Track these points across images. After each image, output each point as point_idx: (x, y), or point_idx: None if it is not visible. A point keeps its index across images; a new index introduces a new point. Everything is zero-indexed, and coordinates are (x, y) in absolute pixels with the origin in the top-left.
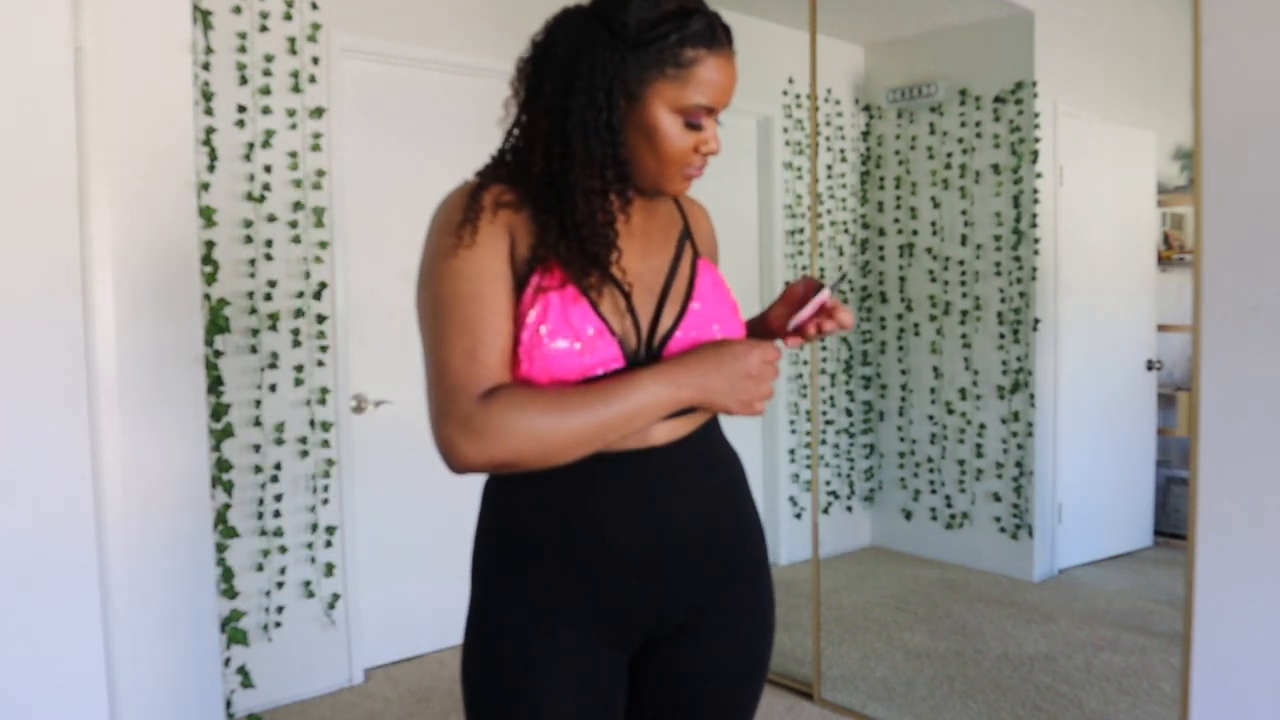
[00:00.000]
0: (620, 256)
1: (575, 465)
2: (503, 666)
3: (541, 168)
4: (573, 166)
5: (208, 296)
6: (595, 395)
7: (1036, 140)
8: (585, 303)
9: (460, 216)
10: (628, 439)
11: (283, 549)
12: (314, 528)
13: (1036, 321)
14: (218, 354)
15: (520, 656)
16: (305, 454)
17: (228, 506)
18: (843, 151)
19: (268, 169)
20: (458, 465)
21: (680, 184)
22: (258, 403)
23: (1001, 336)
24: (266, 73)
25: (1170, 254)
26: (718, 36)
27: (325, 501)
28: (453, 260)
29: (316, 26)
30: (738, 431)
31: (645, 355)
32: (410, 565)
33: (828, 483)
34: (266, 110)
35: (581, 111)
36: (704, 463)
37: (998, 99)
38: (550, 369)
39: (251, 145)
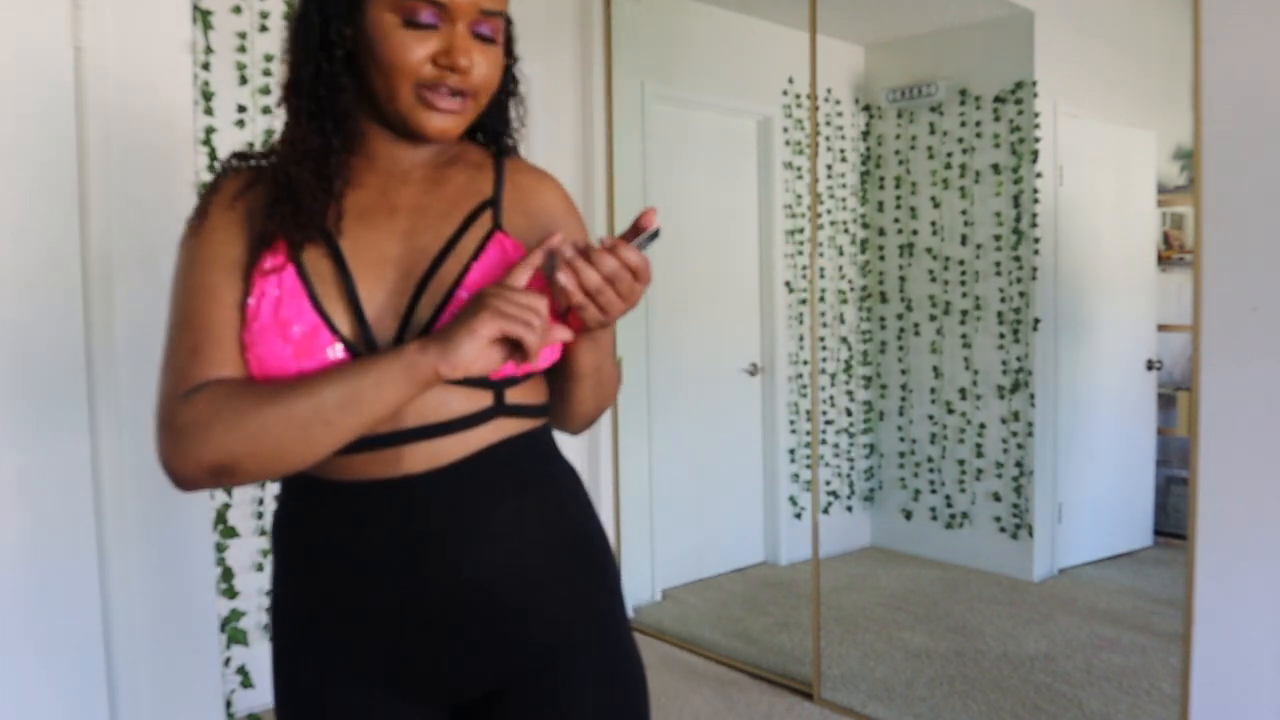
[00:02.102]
0: (350, 230)
1: (321, 498)
2: (298, 716)
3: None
4: (285, 88)
5: None
6: (317, 374)
7: (1036, 140)
8: (302, 293)
9: (200, 203)
10: (375, 465)
11: None
12: None
13: (1036, 321)
14: None
15: (313, 709)
16: None
17: (228, 506)
18: (843, 151)
19: None
20: (173, 478)
21: (423, 113)
22: None
23: (1001, 336)
24: (266, 73)
25: (1170, 254)
26: None
27: None
28: (184, 252)
29: None
30: (739, 431)
31: None
32: None
33: (828, 483)
34: (266, 110)
35: (298, 26)
36: (493, 493)
37: (998, 99)
38: (268, 375)
39: (251, 145)
